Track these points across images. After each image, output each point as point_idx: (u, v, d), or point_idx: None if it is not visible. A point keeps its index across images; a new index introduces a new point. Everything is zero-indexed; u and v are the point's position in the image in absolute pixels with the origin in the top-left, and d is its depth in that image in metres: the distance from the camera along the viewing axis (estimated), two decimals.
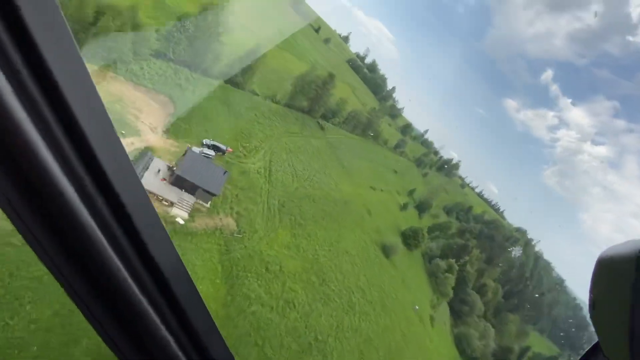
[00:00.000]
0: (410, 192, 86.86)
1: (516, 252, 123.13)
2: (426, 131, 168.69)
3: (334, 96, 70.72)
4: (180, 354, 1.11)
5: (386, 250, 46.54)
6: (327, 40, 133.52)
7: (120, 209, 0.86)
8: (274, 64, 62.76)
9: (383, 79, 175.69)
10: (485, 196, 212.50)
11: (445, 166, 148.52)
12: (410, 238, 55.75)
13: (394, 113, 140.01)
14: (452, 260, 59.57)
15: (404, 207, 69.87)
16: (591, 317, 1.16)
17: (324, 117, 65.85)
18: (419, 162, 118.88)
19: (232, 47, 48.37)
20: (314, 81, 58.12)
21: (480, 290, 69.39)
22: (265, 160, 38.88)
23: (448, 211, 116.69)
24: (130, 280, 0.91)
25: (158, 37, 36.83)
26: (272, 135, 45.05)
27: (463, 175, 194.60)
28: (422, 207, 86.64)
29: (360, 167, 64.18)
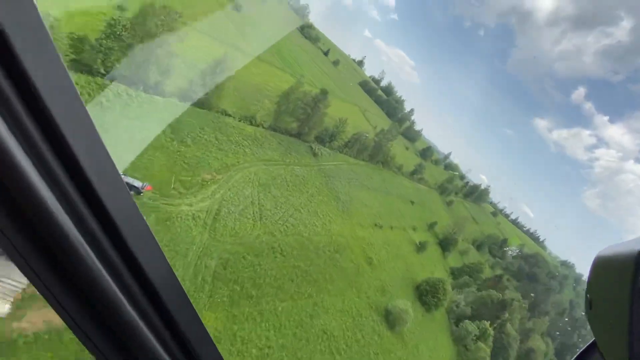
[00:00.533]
0: (431, 226, 72.87)
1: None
2: (449, 154, 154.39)
3: (330, 116, 61.10)
4: None
5: (391, 319, 33.52)
6: (336, 62, 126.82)
7: (105, 216, 0.82)
8: (258, 80, 54.34)
9: (400, 101, 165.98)
10: (521, 222, 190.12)
11: (474, 192, 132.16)
12: (428, 294, 42.19)
13: (412, 136, 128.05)
14: (487, 323, 44.76)
15: (421, 247, 56.20)
16: (587, 316, 1.19)
17: (320, 140, 55.65)
18: (442, 189, 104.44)
19: (193, 57, 40.31)
20: (301, 99, 48.45)
21: (527, 358, 53.00)
22: (213, 200, 28.43)
23: (479, 246, 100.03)
24: (117, 291, 0.88)
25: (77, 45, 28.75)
26: (237, 165, 34.93)
27: (495, 201, 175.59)
28: (446, 244, 72.14)
29: (364, 200, 52.29)
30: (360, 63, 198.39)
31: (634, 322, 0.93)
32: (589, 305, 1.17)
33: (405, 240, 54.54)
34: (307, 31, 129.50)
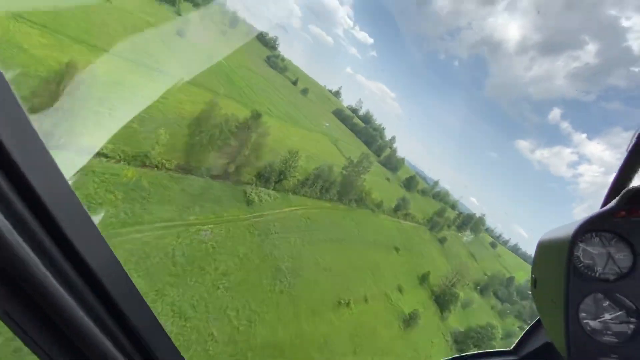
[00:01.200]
0: (423, 279, 57.11)
1: None
2: (437, 182, 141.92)
3: (288, 147, 47.25)
4: (120, 356, 1.04)
5: None
6: (305, 91, 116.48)
7: (37, 203, 0.77)
8: (188, 108, 40.46)
9: (379, 129, 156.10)
10: (519, 245, 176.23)
11: (468, 223, 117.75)
12: None
13: (394, 164, 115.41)
14: None
15: (411, 320, 40.06)
16: (533, 294, 1.40)
17: (264, 180, 41.07)
18: (432, 224, 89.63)
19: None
20: (221, 124, 34.42)
21: None
22: None
23: (483, 290, 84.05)
24: (60, 287, 0.83)
25: None
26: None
27: (491, 226, 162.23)
28: (444, 301, 56.13)
29: (323, 262, 36.66)
30: (337, 93, 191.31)
31: (570, 299, 1.17)
32: (534, 284, 1.39)
33: (387, 315, 38.38)
34: (273, 61, 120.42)
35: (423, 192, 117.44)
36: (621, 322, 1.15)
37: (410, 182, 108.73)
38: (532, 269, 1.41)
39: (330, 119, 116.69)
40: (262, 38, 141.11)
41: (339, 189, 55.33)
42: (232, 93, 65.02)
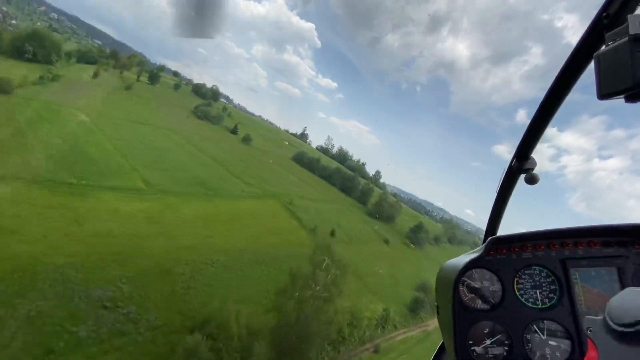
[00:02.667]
0: None
1: None
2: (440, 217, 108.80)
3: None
4: None
5: None
6: (246, 139, 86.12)
7: None
8: None
9: (359, 167, 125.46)
10: None
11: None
12: None
13: (389, 213, 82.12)
14: None
15: None
16: (438, 320, 1.56)
17: None
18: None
19: None
20: None
21: None
22: None
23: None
24: None
25: None
26: None
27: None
28: None
29: None
30: (303, 135, 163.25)
31: (458, 329, 1.36)
32: (437, 310, 1.55)
33: None
34: (203, 110, 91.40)
35: (436, 241, 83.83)
36: (498, 345, 1.37)
37: (418, 232, 75.33)
38: (435, 296, 1.58)
39: (288, 167, 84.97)
40: (198, 91, 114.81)
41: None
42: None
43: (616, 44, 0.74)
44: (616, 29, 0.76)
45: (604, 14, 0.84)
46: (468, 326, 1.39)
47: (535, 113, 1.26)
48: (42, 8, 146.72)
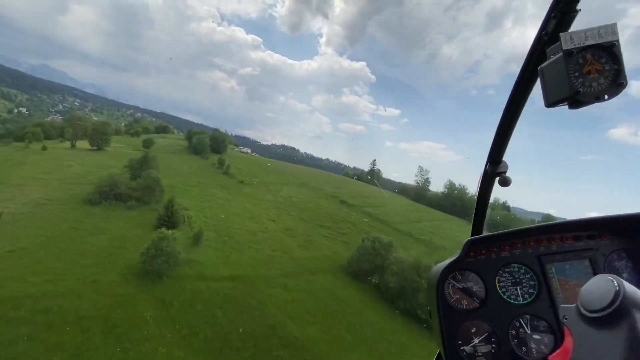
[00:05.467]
0: None
1: None
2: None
3: None
4: None
5: None
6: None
7: None
8: None
9: (462, 194, 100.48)
10: None
11: None
12: None
13: None
14: None
15: None
16: (432, 325, 1.58)
17: None
18: None
19: None
20: None
21: None
22: None
23: None
24: None
25: None
26: None
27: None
28: None
29: None
30: (372, 173, 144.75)
31: (445, 330, 1.42)
32: (430, 315, 1.58)
33: None
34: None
35: None
36: (486, 344, 1.40)
37: None
38: (427, 301, 1.60)
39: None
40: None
41: None
42: None
43: (554, 58, 0.86)
44: (553, 45, 0.88)
45: (544, 32, 0.95)
46: (456, 326, 1.43)
47: (500, 121, 1.37)
48: (130, 111, 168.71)
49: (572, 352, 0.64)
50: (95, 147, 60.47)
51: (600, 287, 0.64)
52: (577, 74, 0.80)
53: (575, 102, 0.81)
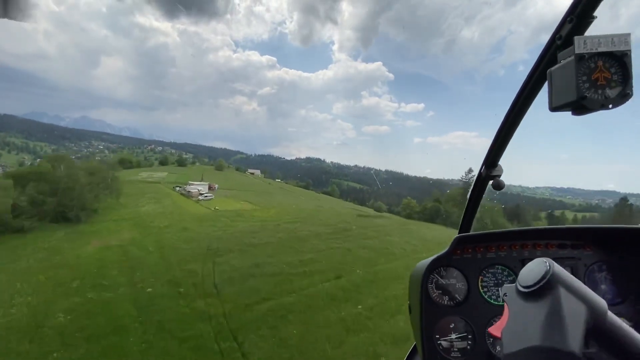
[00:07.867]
0: None
1: None
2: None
3: None
4: None
5: None
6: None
7: None
8: None
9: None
10: None
11: None
12: None
13: None
14: None
15: None
16: (410, 321, 1.61)
17: None
18: None
19: None
20: None
21: None
22: None
23: None
24: None
25: None
26: None
27: None
28: None
29: None
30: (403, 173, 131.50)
31: (424, 323, 1.44)
32: (410, 310, 1.61)
33: None
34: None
35: None
36: (462, 340, 1.44)
37: None
38: (408, 297, 1.63)
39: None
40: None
41: None
42: None
43: (565, 62, 0.85)
44: (566, 49, 0.87)
45: (557, 36, 0.96)
46: (435, 321, 1.47)
47: (501, 125, 1.39)
48: (151, 146, 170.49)
49: (506, 322, 0.72)
50: None
51: (535, 267, 0.72)
52: (585, 79, 0.80)
53: (581, 107, 0.81)
